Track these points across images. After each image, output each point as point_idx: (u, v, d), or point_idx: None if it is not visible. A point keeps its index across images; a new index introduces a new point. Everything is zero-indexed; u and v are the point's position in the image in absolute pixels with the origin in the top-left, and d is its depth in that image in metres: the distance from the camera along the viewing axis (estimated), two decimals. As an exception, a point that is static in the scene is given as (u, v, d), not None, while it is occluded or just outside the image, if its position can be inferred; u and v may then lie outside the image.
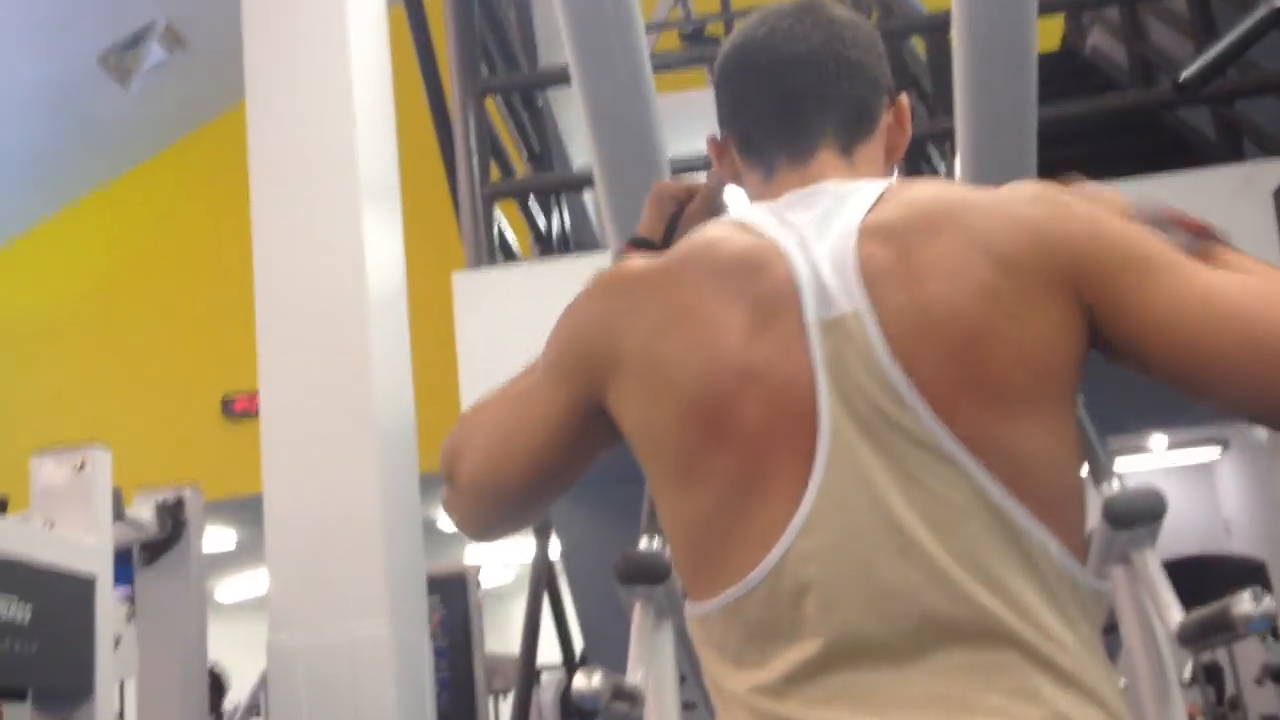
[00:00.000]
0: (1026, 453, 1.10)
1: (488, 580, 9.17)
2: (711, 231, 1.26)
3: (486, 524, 1.38)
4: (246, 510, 4.20)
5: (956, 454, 1.09)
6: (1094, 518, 1.52)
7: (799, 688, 1.10)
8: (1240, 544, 7.18)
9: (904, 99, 1.37)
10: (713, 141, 1.40)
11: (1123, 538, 1.47)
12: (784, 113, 1.30)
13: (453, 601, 4.71)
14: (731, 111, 1.36)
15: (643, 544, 1.70)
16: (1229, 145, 4.03)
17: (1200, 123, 4.45)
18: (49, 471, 2.40)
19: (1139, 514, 1.46)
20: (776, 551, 1.11)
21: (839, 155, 1.30)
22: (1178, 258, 1.13)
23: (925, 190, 1.20)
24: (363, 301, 2.98)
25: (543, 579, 4.60)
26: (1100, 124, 4.67)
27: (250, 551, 7.92)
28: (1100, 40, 5.80)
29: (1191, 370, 1.10)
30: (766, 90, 1.31)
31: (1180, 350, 1.10)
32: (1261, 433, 7.03)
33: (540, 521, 4.34)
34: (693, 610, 1.20)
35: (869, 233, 1.16)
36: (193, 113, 8.05)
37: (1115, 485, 1.56)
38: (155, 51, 7.36)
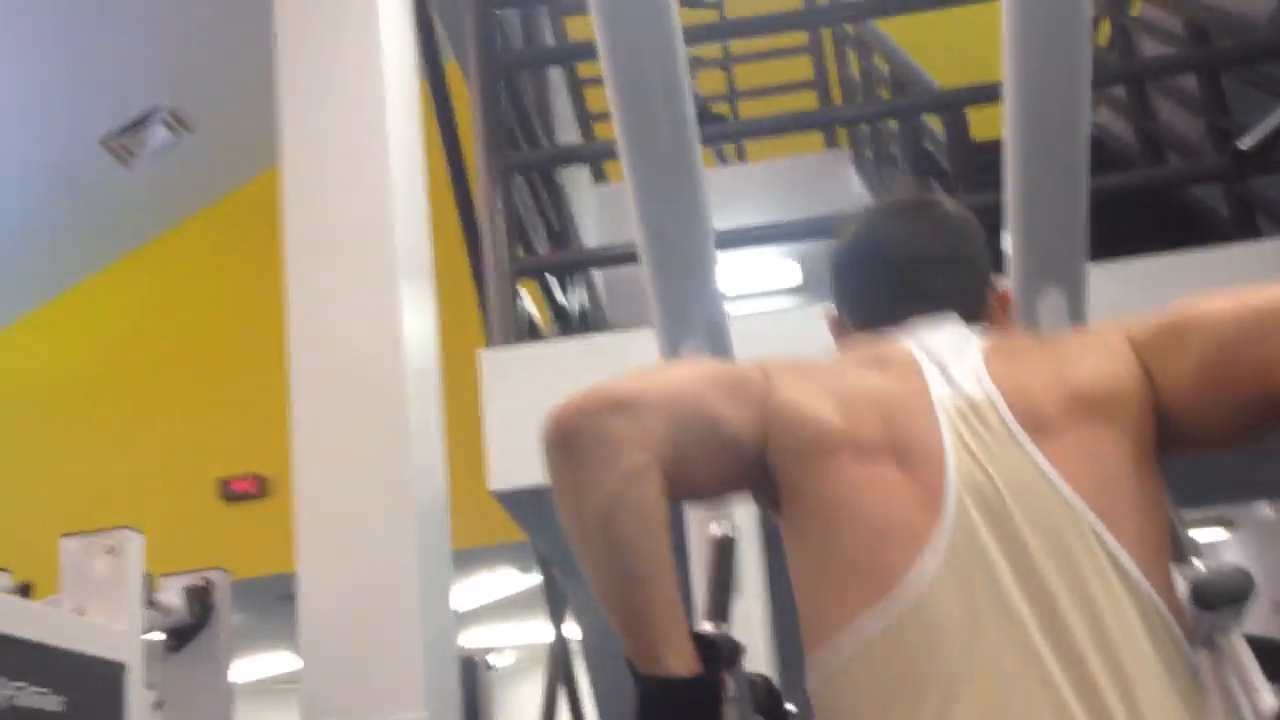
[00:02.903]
0: (1141, 518, 1.28)
1: (494, 661, 9.14)
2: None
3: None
4: (246, 594, 4.16)
5: (1095, 524, 1.24)
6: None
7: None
8: (1251, 624, 7.09)
9: (1008, 289, 1.58)
10: (833, 319, 1.55)
11: (1209, 620, 1.44)
12: (911, 300, 1.45)
13: (464, 684, 4.64)
14: (856, 297, 1.51)
15: (707, 628, 1.65)
16: (1243, 222, 4.01)
17: (1211, 199, 4.46)
18: (77, 555, 2.35)
19: (1227, 595, 1.43)
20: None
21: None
22: None
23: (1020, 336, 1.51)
24: (399, 377, 2.92)
25: (559, 663, 4.54)
26: (1110, 200, 4.62)
27: (252, 634, 7.84)
28: (1106, 118, 5.84)
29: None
30: (895, 283, 1.47)
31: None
32: (1268, 511, 6.98)
33: (558, 607, 4.31)
34: (833, 654, 1.23)
35: (990, 351, 1.36)
36: (196, 195, 8.06)
37: (1199, 565, 1.52)
38: (159, 134, 7.37)
